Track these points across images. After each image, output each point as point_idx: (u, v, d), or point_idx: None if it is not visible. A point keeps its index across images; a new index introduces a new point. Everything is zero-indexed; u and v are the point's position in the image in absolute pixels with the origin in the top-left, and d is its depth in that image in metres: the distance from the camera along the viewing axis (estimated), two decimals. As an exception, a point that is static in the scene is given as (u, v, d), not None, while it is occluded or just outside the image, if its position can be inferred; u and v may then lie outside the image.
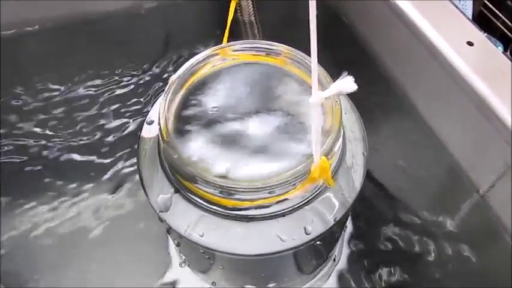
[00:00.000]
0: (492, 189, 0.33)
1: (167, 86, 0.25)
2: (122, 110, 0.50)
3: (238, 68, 0.26)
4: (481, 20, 0.62)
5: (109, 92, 0.51)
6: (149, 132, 0.27)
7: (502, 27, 0.59)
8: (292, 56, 0.26)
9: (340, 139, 0.23)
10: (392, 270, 0.41)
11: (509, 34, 0.58)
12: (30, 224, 0.45)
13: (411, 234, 0.42)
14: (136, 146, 0.28)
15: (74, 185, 0.47)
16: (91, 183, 0.47)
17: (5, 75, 0.47)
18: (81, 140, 0.49)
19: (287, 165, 0.23)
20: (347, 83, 0.19)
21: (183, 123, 0.24)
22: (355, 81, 0.47)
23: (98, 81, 0.51)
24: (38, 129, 0.49)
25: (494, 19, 0.60)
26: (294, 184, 0.22)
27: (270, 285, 0.29)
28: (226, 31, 0.25)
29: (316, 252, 0.29)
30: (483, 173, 0.34)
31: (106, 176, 0.48)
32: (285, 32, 0.50)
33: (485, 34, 0.36)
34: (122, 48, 0.50)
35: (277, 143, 0.24)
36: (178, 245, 0.27)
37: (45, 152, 0.48)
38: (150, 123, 0.27)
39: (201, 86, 0.26)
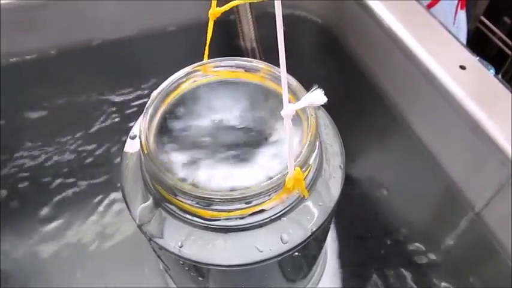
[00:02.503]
0: (487, 207, 0.34)
1: (149, 101, 0.26)
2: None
3: (218, 84, 0.27)
4: (477, 36, 0.63)
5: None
6: (132, 147, 0.28)
7: (499, 43, 0.60)
8: (270, 72, 0.27)
9: (316, 151, 0.24)
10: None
11: (506, 49, 0.59)
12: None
13: (407, 252, 0.43)
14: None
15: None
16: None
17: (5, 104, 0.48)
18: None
19: (264, 177, 0.23)
20: (317, 96, 0.20)
21: (163, 137, 0.25)
22: (355, 104, 0.48)
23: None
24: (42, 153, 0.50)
25: (491, 35, 0.61)
26: (270, 195, 0.23)
27: (252, 299, 0.30)
28: (206, 48, 0.26)
29: (296, 264, 0.29)
30: (478, 192, 0.35)
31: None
32: (287, 58, 0.52)
33: (478, 58, 0.37)
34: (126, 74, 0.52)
35: (255, 156, 0.24)
36: (159, 256, 0.28)
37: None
38: (133, 137, 0.28)
39: (181, 101, 0.26)
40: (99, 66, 0.51)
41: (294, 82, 0.25)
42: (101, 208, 0.49)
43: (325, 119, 0.29)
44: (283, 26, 0.19)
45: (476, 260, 0.38)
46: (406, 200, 0.45)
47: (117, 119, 0.53)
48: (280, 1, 0.19)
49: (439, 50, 0.37)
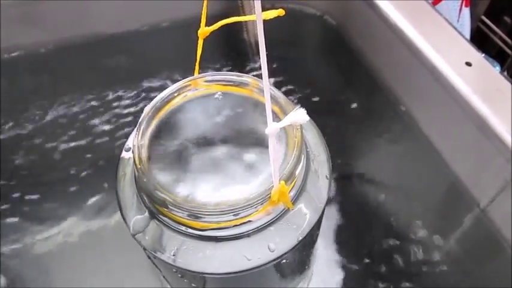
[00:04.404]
0: (492, 203, 0.35)
1: (142, 116, 0.27)
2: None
3: (208, 98, 0.28)
4: (478, 35, 0.64)
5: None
6: (128, 157, 0.29)
7: (500, 43, 0.61)
8: (258, 86, 0.28)
9: (301, 164, 0.25)
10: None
11: (507, 49, 0.60)
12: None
13: (413, 248, 0.44)
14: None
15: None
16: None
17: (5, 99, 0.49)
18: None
19: (251, 190, 0.24)
20: (299, 115, 0.21)
21: (155, 151, 0.26)
22: (360, 101, 0.50)
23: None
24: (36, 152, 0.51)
25: (491, 34, 0.62)
26: (256, 207, 0.24)
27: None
28: (197, 64, 0.27)
29: (285, 270, 0.30)
30: (483, 189, 0.36)
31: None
32: (289, 52, 0.53)
33: (483, 54, 0.37)
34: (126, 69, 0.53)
35: (243, 169, 0.25)
36: (154, 263, 0.29)
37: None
38: (128, 150, 0.29)
39: (173, 115, 0.27)
40: (100, 60, 0.52)
41: (281, 97, 0.26)
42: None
43: (312, 128, 0.30)
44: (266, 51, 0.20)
45: (481, 256, 0.39)
46: (411, 196, 0.46)
47: (116, 114, 0.54)
48: (262, 24, 0.20)
49: (445, 46, 0.38)
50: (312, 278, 0.40)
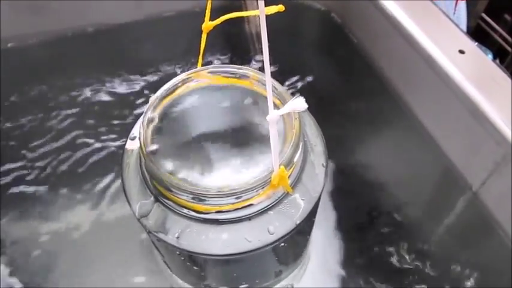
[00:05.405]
0: (483, 186, 0.37)
1: (147, 106, 0.28)
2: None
3: (210, 89, 0.29)
4: (478, 33, 0.65)
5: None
6: (132, 146, 0.30)
7: (500, 40, 0.62)
8: (258, 78, 0.29)
9: (299, 151, 0.27)
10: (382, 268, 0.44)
11: (507, 47, 0.61)
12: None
13: (407, 232, 0.45)
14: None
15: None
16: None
17: (5, 88, 0.49)
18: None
19: (252, 175, 0.26)
20: (299, 103, 0.23)
21: (161, 138, 0.27)
22: (359, 89, 0.51)
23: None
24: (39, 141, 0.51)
25: (491, 32, 0.63)
26: (257, 191, 0.25)
27: (242, 287, 0.32)
28: (200, 57, 0.29)
29: (283, 253, 0.32)
30: (475, 172, 0.37)
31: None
32: (289, 43, 0.54)
33: (476, 43, 0.39)
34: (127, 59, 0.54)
35: (244, 155, 0.27)
36: (157, 247, 0.30)
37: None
38: (133, 138, 0.30)
39: (177, 105, 0.29)
40: (101, 51, 0.53)
41: (281, 88, 0.28)
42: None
43: (309, 120, 0.32)
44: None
45: (473, 236, 0.40)
46: (405, 180, 0.47)
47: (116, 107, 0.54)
48: (264, 19, 0.21)
49: (439, 35, 0.39)
50: (308, 263, 0.41)
